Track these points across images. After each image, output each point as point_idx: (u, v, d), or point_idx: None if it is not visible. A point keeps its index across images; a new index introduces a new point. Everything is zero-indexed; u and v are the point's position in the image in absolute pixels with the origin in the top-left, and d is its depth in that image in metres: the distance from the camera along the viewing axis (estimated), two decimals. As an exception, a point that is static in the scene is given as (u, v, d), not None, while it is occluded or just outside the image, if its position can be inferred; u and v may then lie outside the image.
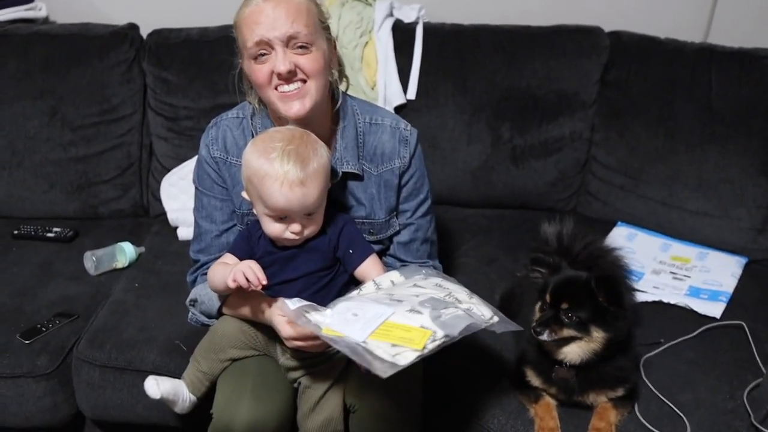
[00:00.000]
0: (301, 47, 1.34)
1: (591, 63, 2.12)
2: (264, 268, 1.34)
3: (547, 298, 1.34)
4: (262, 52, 1.34)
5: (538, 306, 1.38)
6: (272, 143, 1.31)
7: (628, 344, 1.41)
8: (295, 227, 1.32)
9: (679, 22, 2.26)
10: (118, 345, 1.66)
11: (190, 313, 1.59)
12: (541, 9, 2.29)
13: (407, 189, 1.53)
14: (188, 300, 1.56)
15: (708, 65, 2.02)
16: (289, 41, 1.33)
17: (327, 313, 1.22)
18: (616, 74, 2.12)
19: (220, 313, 1.51)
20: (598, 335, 1.32)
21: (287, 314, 1.25)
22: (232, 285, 1.29)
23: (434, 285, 1.31)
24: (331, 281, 1.41)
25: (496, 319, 1.25)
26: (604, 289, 1.31)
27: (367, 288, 1.32)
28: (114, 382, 1.65)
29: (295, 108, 1.36)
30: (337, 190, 1.47)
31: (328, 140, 1.47)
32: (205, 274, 1.50)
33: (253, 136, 1.45)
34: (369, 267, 1.41)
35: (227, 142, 1.48)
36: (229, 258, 1.42)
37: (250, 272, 1.28)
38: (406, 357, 1.12)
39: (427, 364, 1.51)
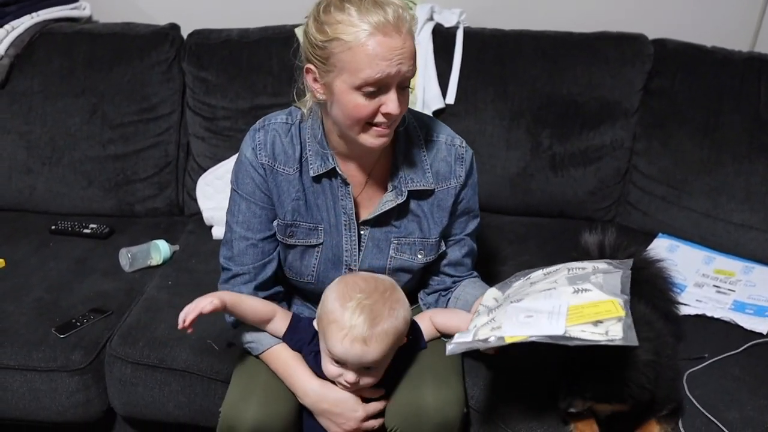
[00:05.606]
0: (403, 88, 1.27)
1: (634, 71, 2.08)
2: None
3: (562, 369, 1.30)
4: (374, 90, 1.24)
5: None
6: (353, 291, 1.30)
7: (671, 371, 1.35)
8: (350, 377, 1.30)
9: (725, 31, 2.21)
10: (151, 342, 1.66)
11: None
12: (584, 15, 2.26)
13: (461, 207, 1.49)
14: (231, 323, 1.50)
15: (757, 75, 1.97)
16: (404, 83, 1.26)
17: (496, 323, 1.19)
18: (660, 83, 2.07)
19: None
20: (618, 405, 1.27)
21: (465, 347, 1.21)
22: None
23: (544, 274, 1.33)
24: None
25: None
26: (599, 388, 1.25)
27: (488, 301, 1.33)
28: (146, 380, 1.65)
29: (381, 142, 1.31)
30: (398, 210, 1.44)
31: (387, 160, 1.44)
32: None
33: (301, 144, 1.41)
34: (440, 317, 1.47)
35: (276, 149, 1.39)
36: (280, 319, 1.43)
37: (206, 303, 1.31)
38: (616, 329, 1.08)
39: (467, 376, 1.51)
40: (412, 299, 1.55)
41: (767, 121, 1.94)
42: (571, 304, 1.17)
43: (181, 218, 2.26)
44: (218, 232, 2.09)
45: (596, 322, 1.11)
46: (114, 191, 2.22)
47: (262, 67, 2.14)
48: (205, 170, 2.20)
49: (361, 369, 1.31)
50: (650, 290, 1.52)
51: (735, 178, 1.96)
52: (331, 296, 1.32)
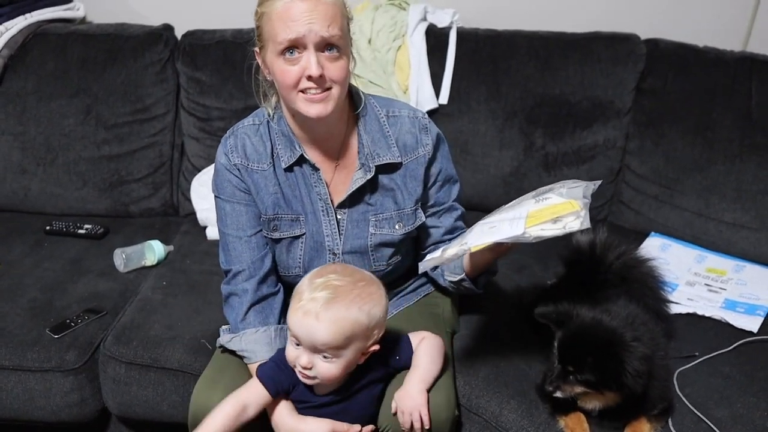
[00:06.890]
0: (331, 53, 1.32)
1: (627, 70, 2.09)
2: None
3: (556, 353, 1.31)
4: (293, 51, 1.31)
5: (554, 353, 1.33)
6: (327, 272, 1.30)
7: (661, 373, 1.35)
8: (303, 360, 1.27)
9: (716, 31, 2.22)
10: (145, 342, 1.67)
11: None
12: (576, 16, 2.27)
13: (441, 177, 1.52)
14: (227, 340, 1.49)
15: (749, 74, 1.98)
16: (323, 46, 1.31)
17: (464, 241, 1.27)
18: (652, 82, 2.08)
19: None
20: (610, 394, 1.28)
21: (434, 263, 1.32)
22: None
23: (512, 203, 1.35)
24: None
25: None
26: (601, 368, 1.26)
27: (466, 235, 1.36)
28: (140, 379, 1.65)
29: (317, 110, 1.34)
30: (370, 186, 1.47)
31: (350, 140, 1.47)
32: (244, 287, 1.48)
33: (271, 142, 1.45)
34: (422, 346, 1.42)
35: (247, 149, 1.45)
36: (255, 387, 1.36)
37: None
38: (573, 223, 1.16)
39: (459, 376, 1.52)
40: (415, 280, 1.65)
41: (758, 120, 1.95)
42: (531, 210, 1.23)
43: (176, 219, 2.27)
44: (212, 233, 2.09)
45: (555, 220, 1.17)
46: (108, 192, 2.22)
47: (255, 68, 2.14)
48: (199, 171, 2.20)
49: (315, 355, 1.26)
50: (641, 289, 1.54)
51: (726, 177, 1.97)
52: (306, 275, 1.32)
